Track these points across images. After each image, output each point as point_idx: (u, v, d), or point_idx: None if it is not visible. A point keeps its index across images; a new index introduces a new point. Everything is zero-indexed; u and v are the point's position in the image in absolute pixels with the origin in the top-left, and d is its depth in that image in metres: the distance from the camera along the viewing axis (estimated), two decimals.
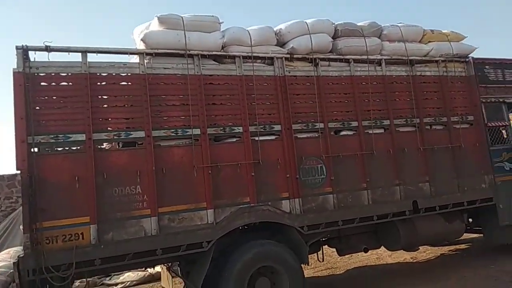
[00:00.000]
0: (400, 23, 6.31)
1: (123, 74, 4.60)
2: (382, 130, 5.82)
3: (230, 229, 4.73)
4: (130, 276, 7.53)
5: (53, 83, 4.29)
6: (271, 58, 5.31)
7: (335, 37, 5.80)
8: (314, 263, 6.85)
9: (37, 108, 4.19)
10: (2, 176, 10.63)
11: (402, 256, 7.51)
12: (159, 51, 4.74)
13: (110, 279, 7.69)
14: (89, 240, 4.14)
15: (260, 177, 4.95)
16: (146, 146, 4.51)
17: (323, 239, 5.84)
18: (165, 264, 5.45)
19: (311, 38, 5.48)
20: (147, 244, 4.34)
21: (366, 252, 6.10)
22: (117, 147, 4.71)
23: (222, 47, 5.14)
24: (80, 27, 26.69)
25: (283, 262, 4.89)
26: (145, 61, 4.67)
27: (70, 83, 4.34)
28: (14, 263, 4.05)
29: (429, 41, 6.43)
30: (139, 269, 7.23)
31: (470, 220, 6.77)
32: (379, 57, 5.96)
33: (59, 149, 4.25)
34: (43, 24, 27.24)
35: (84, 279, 5.03)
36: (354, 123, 5.62)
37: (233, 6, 28.94)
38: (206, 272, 4.56)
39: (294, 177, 5.12)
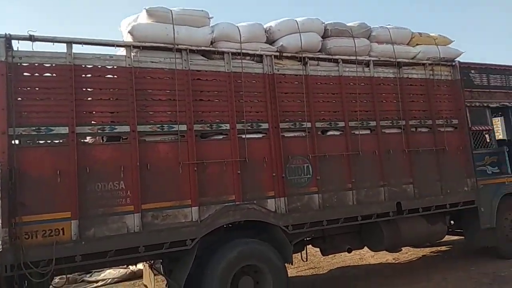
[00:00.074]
0: (389, 25, 6.35)
1: (109, 67, 4.51)
2: (368, 131, 5.85)
3: (214, 227, 4.69)
4: (111, 273, 7.42)
5: (37, 74, 4.18)
6: (260, 56, 5.28)
7: (324, 36, 5.81)
8: (297, 262, 6.86)
9: (19, 99, 4.08)
10: None
11: (384, 257, 7.58)
12: (147, 44, 4.66)
13: (90, 276, 7.58)
14: (69, 236, 4.05)
15: (246, 175, 4.92)
16: (130, 141, 4.43)
17: (307, 238, 5.85)
18: (148, 262, 5.36)
19: (300, 37, 5.48)
20: (129, 241, 4.26)
21: (349, 252, 6.13)
22: (101, 141, 4.62)
23: (211, 43, 5.09)
24: (68, 15, 26.24)
25: (267, 261, 4.87)
26: (132, 54, 4.58)
27: (54, 74, 4.25)
28: None
29: (417, 44, 6.50)
30: (120, 266, 7.12)
31: (452, 222, 6.85)
32: (367, 58, 5.99)
33: (41, 142, 4.15)
34: (29, 12, 26.67)
35: (64, 276, 4.92)
36: (341, 124, 5.64)
37: (223, 2, 28.81)
38: (189, 271, 4.50)
39: (280, 176, 5.11)
